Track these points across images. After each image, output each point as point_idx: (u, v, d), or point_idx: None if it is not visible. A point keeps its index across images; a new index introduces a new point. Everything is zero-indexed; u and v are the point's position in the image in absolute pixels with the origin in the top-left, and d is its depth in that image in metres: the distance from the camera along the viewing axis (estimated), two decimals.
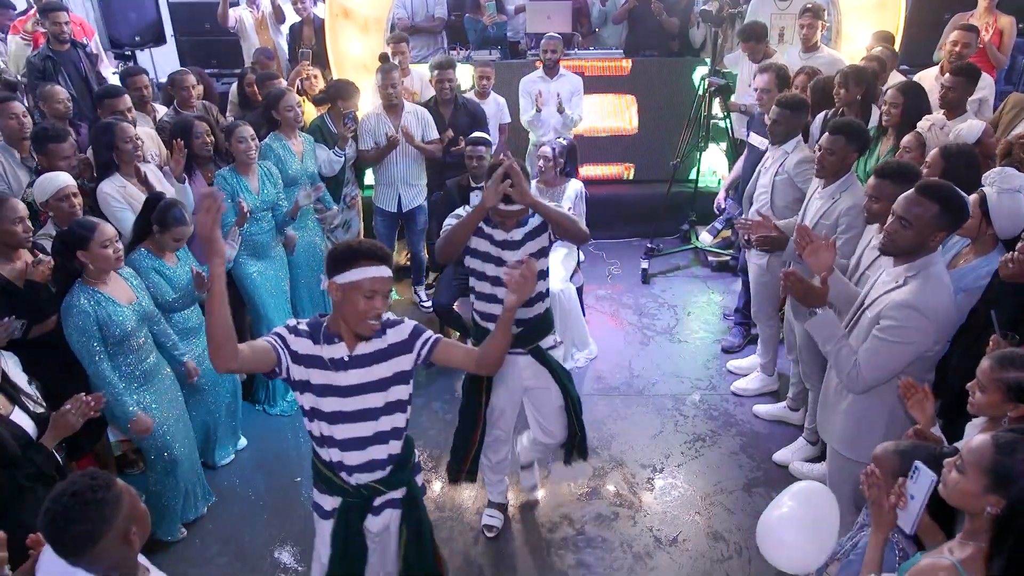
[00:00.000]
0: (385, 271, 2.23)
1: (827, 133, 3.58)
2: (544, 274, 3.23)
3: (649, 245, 6.00)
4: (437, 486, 4.02)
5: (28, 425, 2.64)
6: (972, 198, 3.04)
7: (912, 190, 2.64)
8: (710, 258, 6.16)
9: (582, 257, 6.25)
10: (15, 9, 6.33)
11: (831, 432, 3.01)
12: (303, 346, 2.29)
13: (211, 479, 4.01)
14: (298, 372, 2.29)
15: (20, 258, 3.23)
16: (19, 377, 2.93)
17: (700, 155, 5.90)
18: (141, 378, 3.28)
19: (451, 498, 3.95)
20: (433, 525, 3.69)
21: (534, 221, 3.14)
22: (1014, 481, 1.66)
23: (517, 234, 3.13)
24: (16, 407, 2.65)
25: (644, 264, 5.93)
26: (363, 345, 2.32)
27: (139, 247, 3.53)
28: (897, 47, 5.59)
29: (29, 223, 3.19)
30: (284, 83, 5.28)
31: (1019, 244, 2.76)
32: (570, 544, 3.63)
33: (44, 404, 2.80)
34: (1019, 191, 2.99)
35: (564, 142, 4.91)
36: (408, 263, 5.99)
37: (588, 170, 6.72)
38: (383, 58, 5.15)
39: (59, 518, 1.70)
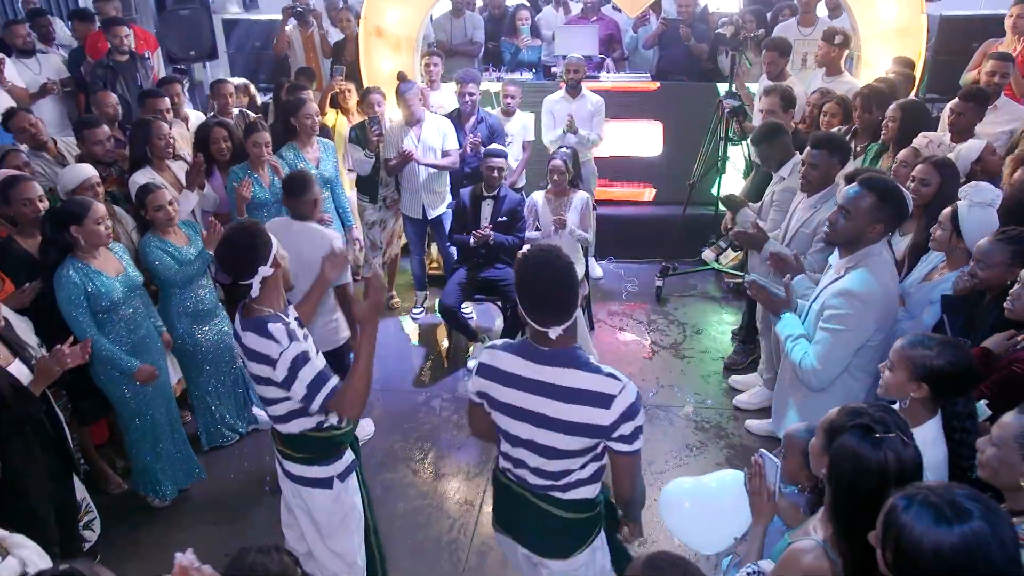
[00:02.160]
0: None
1: (809, 148, 3.65)
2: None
3: (665, 264, 6.05)
4: (423, 475, 4.16)
5: (25, 375, 2.90)
6: (945, 212, 3.07)
7: (855, 183, 2.72)
8: (726, 280, 6.17)
9: (600, 273, 6.41)
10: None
11: (782, 425, 3.04)
12: None
13: (213, 456, 4.28)
14: None
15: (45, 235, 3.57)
16: (30, 338, 3.24)
17: (720, 177, 5.95)
18: (129, 347, 3.53)
19: (434, 487, 4.08)
20: (414, 511, 3.89)
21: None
22: (837, 437, 1.71)
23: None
24: (17, 359, 2.93)
25: (658, 283, 5.99)
26: None
27: (146, 234, 3.85)
28: (919, 74, 5.56)
29: (43, 203, 3.52)
30: (311, 94, 5.61)
31: (971, 265, 2.78)
32: None
33: None
34: (991, 205, 3.00)
35: (568, 150, 5.06)
36: (437, 271, 6.19)
37: (609, 190, 6.86)
38: (401, 76, 5.41)
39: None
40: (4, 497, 2.73)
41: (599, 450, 2.16)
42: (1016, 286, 2.48)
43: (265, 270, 2.46)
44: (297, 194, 3.75)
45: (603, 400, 2.03)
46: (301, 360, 2.43)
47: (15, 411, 2.77)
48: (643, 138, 6.76)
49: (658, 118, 6.68)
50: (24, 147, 4.49)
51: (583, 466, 2.17)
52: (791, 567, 1.77)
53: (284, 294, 2.58)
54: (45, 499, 2.91)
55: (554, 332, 2.06)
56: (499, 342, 2.26)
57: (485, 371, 2.22)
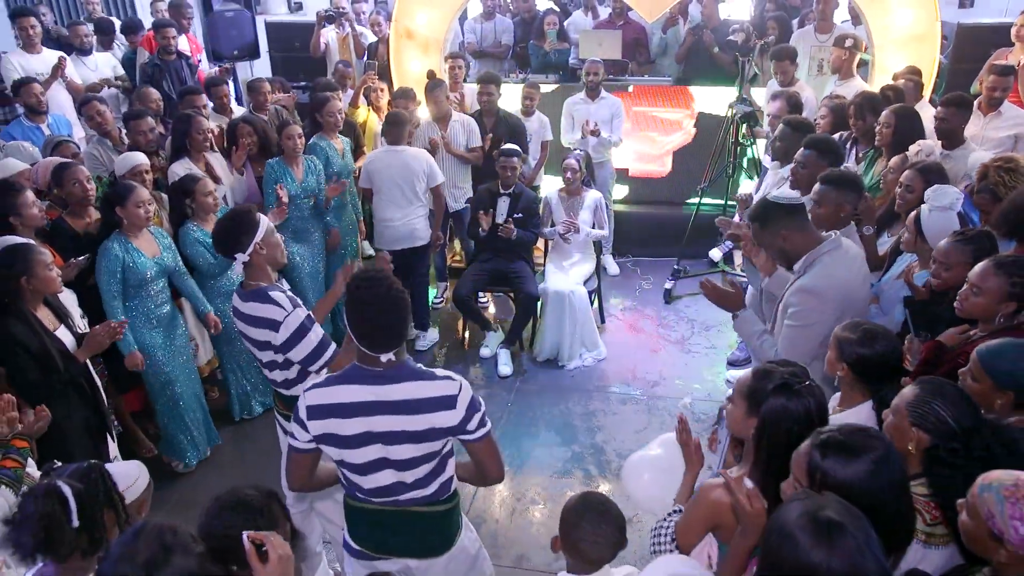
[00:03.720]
0: None
1: (801, 148, 3.81)
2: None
3: (676, 267, 6.20)
4: None
5: (69, 341, 3.26)
6: (911, 215, 3.23)
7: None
8: (738, 280, 6.30)
9: (616, 270, 6.61)
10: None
11: None
12: None
13: (242, 426, 4.65)
14: None
15: (90, 216, 3.97)
16: (74, 309, 3.60)
17: (729, 180, 6.09)
18: (155, 321, 3.91)
19: None
20: None
21: None
22: (764, 401, 1.92)
23: None
24: (63, 326, 3.29)
25: (668, 284, 6.16)
26: None
27: (186, 223, 4.18)
28: (931, 81, 5.64)
29: (91, 185, 3.91)
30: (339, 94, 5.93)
31: (933, 267, 2.92)
32: (535, 511, 3.97)
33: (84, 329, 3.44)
34: (950, 208, 3.13)
35: (581, 152, 5.29)
36: (460, 264, 6.47)
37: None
38: (430, 75, 5.72)
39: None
40: (46, 448, 3.08)
41: (449, 446, 2.28)
42: (964, 287, 2.62)
43: (242, 256, 2.79)
44: (399, 124, 5.02)
45: (447, 402, 2.14)
46: (305, 327, 2.72)
47: (62, 373, 3.14)
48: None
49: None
50: (77, 138, 4.93)
51: (440, 462, 2.27)
52: (700, 500, 2.01)
53: (271, 273, 2.88)
54: (81, 453, 3.25)
55: (385, 357, 2.13)
56: (320, 379, 2.27)
57: (320, 412, 2.17)
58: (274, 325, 2.72)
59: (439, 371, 2.21)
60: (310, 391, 2.20)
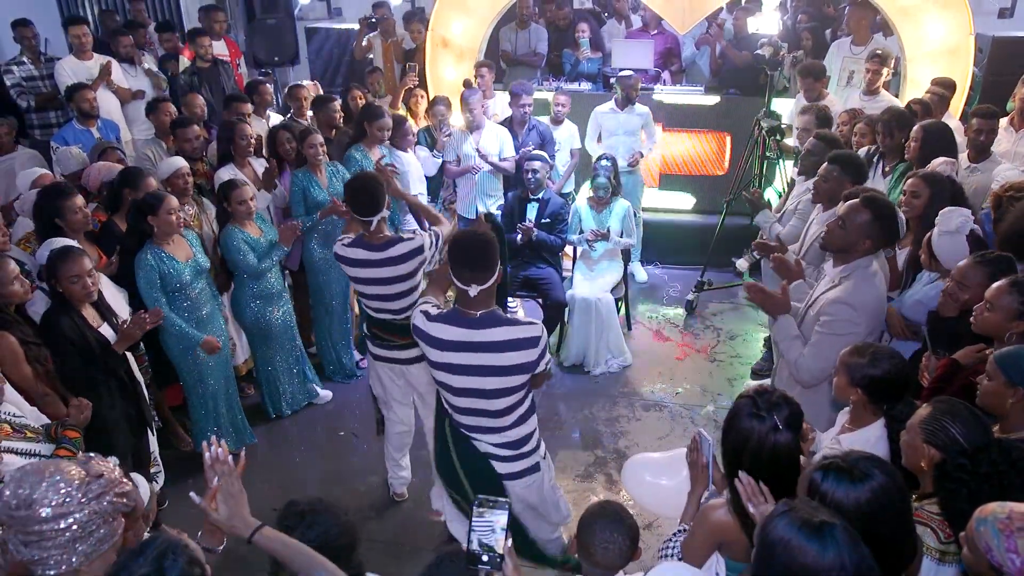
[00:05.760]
0: None
1: (825, 162, 3.86)
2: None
3: (700, 279, 6.23)
4: None
5: (112, 337, 3.44)
6: (926, 237, 3.27)
7: (858, 199, 2.96)
8: None
9: (645, 277, 6.67)
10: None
11: None
12: None
13: (274, 424, 4.81)
14: None
15: None
16: (122, 308, 3.77)
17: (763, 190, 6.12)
18: (195, 323, 4.04)
19: None
20: None
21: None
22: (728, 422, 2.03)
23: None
24: (105, 323, 3.46)
25: (690, 296, 6.19)
26: None
27: (227, 225, 4.36)
28: (964, 94, 5.62)
29: None
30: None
31: (948, 284, 2.95)
32: None
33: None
34: (958, 231, 3.18)
35: (608, 163, 5.38)
36: None
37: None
38: (466, 83, 5.85)
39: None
40: (90, 439, 3.24)
41: (528, 385, 2.75)
42: (981, 303, 2.67)
43: (383, 212, 3.45)
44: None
45: (532, 342, 2.64)
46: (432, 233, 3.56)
47: (102, 365, 3.32)
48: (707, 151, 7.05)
49: (715, 130, 6.91)
50: (124, 141, 5.14)
51: (521, 400, 2.76)
52: (703, 520, 2.08)
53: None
54: (123, 442, 3.43)
55: (473, 290, 2.58)
56: (431, 311, 2.75)
57: (426, 340, 2.71)
58: (421, 248, 3.44)
59: (522, 318, 2.75)
60: (418, 314, 2.77)
